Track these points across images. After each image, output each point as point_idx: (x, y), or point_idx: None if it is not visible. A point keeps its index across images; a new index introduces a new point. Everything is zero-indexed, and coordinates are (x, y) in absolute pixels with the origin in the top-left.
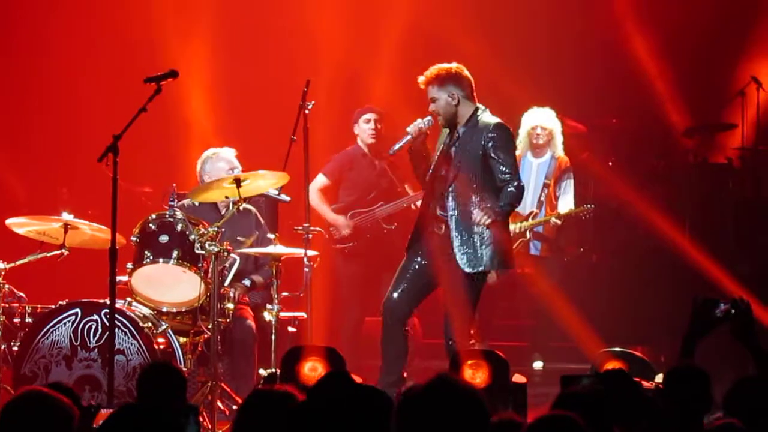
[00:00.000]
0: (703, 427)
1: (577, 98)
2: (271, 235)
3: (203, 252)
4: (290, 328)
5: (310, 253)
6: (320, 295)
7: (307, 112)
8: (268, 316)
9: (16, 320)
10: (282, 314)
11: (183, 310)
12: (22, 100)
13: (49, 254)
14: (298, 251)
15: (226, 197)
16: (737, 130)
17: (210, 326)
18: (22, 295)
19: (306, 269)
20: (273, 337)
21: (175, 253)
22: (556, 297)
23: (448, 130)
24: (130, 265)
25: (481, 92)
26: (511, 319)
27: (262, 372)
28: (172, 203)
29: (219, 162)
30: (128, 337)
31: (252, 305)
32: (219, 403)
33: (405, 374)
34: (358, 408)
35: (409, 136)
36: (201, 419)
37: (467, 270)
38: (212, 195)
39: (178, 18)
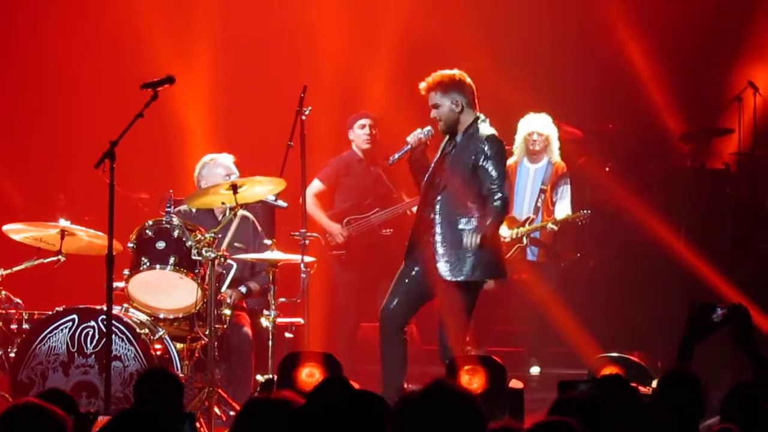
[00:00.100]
0: None
1: (574, 103)
2: (268, 241)
3: (200, 258)
4: (287, 334)
5: (307, 259)
6: (317, 301)
7: (303, 117)
8: (265, 321)
9: (13, 327)
10: (279, 320)
11: (180, 316)
12: (18, 105)
13: (46, 260)
14: (295, 257)
15: (223, 203)
16: (734, 135)
17: (207, 332)
18: (19, 301)
19: (303, 275)
20: (270, 342)
21: (172, 260)
22: (553, 302)
23: (448, 138)
24: (127, 272)
25: (481, 96)
26: (508, 324)
27: (259, 378)
28: (168, 209)
29: (216, 168)
30: (125, 344)
31: (249, 311)
32: (216, 409)
33: (406, 386)
34: (356, 414)
35: (408, 146)
36: (198, 425)
37: (447, 278)
38: (209, 201)
39: (176, 24)
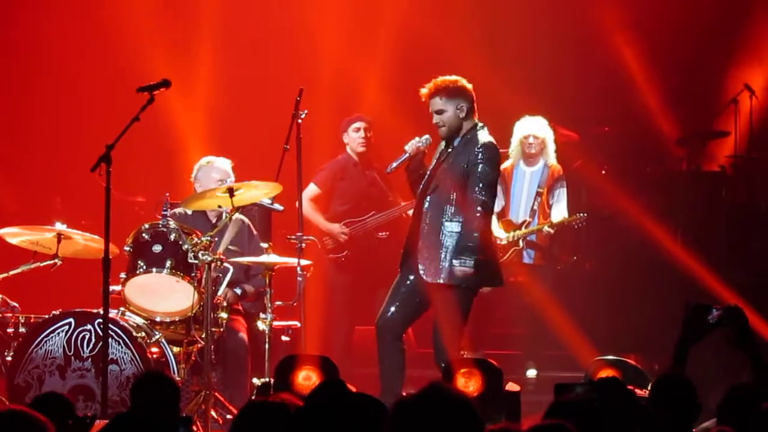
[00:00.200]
0: None
1: (571, 106)
2: (264, 245)
3: (196, 261)
4: (284, 337)
5: (304, 262)
6: (314, 305)
7: (300, 121)
8: (261, 325)
9: (10, 330)
10: (275, 323)
11: (176, 319)
12: (15, 109)
13: (42, 264)
14: (292, 260)
15: (219, 206)
16: (730, 138)
17: (203, 336)
18: (16, 305)
19: (299, 278)
20: (267, 346)
21: (168, 263)
22: (550, 305)
23: (444, 144)
24: (123, 275)
25: (479, 99)
26: (504, 327)
27: (256, 381)
28: (165, 213)
29: (212, 172)
30: (122, 347)
31: (246, 314)
32: (213, 413)
33: (404, 393)
34: (353, 416)
35: (406, 155)
36: (195, 429)
37: (428, 280)
38: (205, 204)
39: (172, 27)
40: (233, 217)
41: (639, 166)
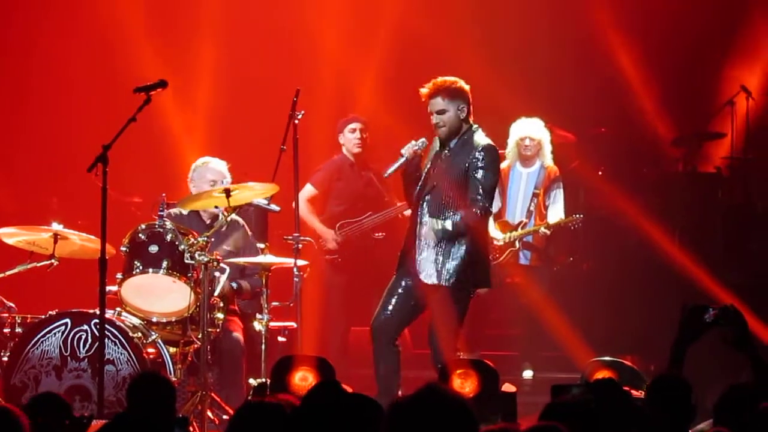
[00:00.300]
0: None
1: (568, 107)
2: (261, 245)
3: (193, 262)
4: (280, 338)
5: (300, 262)
6: (310, 305)
7: (296, 122)
8: (258, 325)
9: (6, 330)
10: (272, 324)
11: (173, 320)
12: (11, 109)
13: (38, 264)
14: (288, 261)
15: (216, 207)
16: (726, 139)
17: (200, 336)
18: (12, 305)
19: (296, 279)
20: (263, 346)
21: (164, 263)
22: (546, 306)
23: (438, 146)
24: (119, 275)
25: (477, 99)
26: (501, 328)
27: (252, 382)
28: (161, 213)
29: (207, 173)
30: (118, 347)
31: (242, 315)
32: (209, 413)
33: (400, 393)
34: (349, 417)
35: (403, 159)
36: (191, 429)
37: (425, 281)
38: (202, 204)
39: (169, 28)
40: (230, 219)
41: (635, 168)
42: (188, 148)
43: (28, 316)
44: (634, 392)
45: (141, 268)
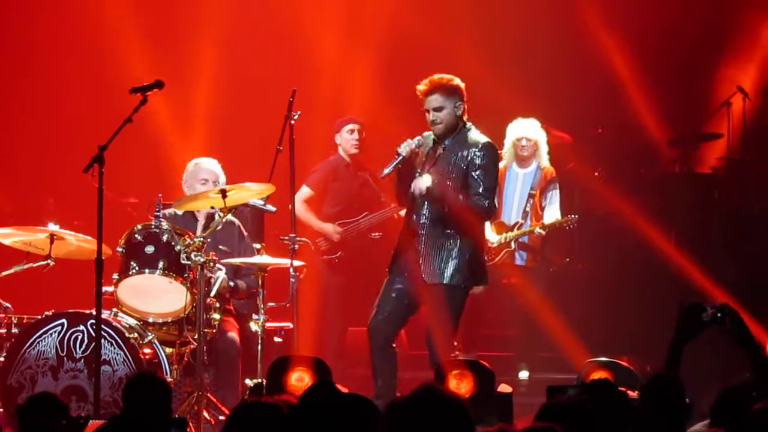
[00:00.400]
0: None
1: (564, 108)
2: (257, 245)
3: (189, 262)
4: (276, 339)
5: (296, 263)
6: (306, 306)
7: (293, 122)
8: (254, 326)
9: (2, 331)
10: (268, 324)
11: (169, 320)
12: (7, 109)
13: (35, 265)
14: (284, 261)
15: (212, 207)
16: (723, 140)
17: (196, 336)
18: (8, 305)
19: (292, 280)
20: (259, 347)
21: (161, 264)
22: (542, 307)
23: (432, 144)
24: (116, 276)
25: (475, 99)
26: (496, 329)
27: (249, 382)
28: (157, 214)
29: (199, 173)
30: (114, 348)
31: (238, 315)
32: (205, 413)
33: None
34: (345, 417)
35: (401, 158)
36: (188, 430)
37: (427, 280)
38: (198, 205)
39: (166, 29)
40: (225, 219)
41: (632, 168)
42: (184, 148)
43: (25, 316)
44: (630, 393)
45: (137, 268)
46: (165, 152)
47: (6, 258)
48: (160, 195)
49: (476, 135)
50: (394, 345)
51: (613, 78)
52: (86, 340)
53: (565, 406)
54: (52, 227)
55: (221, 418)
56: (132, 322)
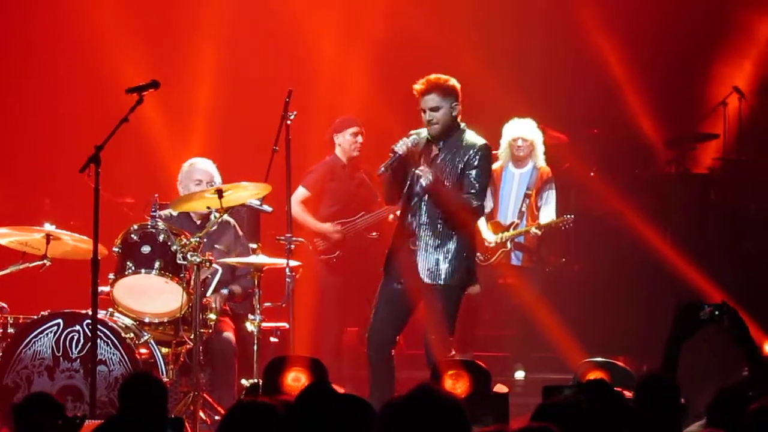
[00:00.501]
0: None
1: (560, 108)
2: (253, 245)
3: (185, 262)
4: (272, 339)
5: (292, 263)
6: (303, 306)
7: (289, 122)
8: (250, 326)
9: None
10: (264, 325)
11: (165, 320)
12: (3, 110)
13: (31, 265)
14: (280, 261)
15: (208, 208)
16: (719, 140)
17: (192, 337)
18: (4, 305)
19: (288, 280)
20: (255, 347)
21: (157, 264)
22: (538, 307)
23: (425, 144)
24: (112, 276)
25: (472, 99)
26: (493, 329)
27: (245, 382)
28: (154, 214)
29: (193, 173)
30: (110, 348)
31: (234, 315)
32: (201, 414)
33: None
34: (341, 418)
35: (397, 155)
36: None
37: (426, 281)
38: (194, 205)
39: (162, 29)
40: (221, 219)
41: (628, 168)
42: (180, 149)
43: (21, 316)
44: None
45: (133, 268)
46: (161, 152)
47: (2, 258)
48: (156, 195)
49: (472, 137)
50: (392, 354)
51: (609, 78)
52: (82, 340)
53: (561, 407)
54: (49, 227)
55: (217, 418)
56: (128, 322)
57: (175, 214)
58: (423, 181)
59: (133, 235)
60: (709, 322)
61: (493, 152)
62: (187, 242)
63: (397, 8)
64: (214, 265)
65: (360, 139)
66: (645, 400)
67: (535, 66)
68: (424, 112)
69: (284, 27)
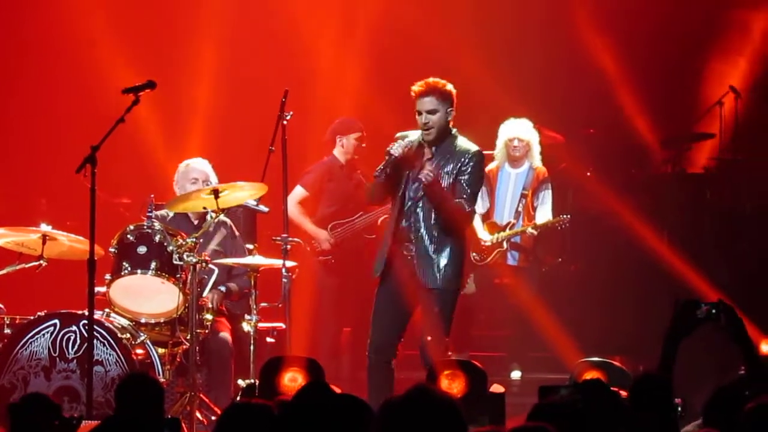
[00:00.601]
0: None
1: (556, 108)
2: (249, 246)
3: (181, 263)
4: (269, 339)
5: (289, 264)
6: (300, 306)
7: (285, 122)
8: (246, 326)
9: None
10: (260, 325)
11: (161, 321)
12: None
13: (27, 265)
14: (277, 262)
15: (204, 208)
16: (714, 140)
17: (188, 337)
18: (1, 306)
19: (284, 280)
20: (252, 347)
21: (153, 264)
22: (535, 307)
23: (416, 150)
24: (108, 276)
25: (469, 99)
26: (489, 329)
27: (241, 383)
28: (150, 214)
29: (189, 173)
30: (107, 348)
31: (231, 315)
32: (198, 414)
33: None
34: (338, 418)
35: (393, 157)
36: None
37: (428, 286)
38: (190, 206)
39: (159, 29)
40: (217, 219)
41: (624, 168)
42: (177, 149)
43: (17, 317)
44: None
45: (129, 269)
46: (157, 153)
47: None
48: (152, 195)
49: (465, 142)
50: (393, 363)
51: (605, 78)
52: (79, 341)
53: (557, 406)
54: (45, 228)
55: (213, 418)
56: (124, 322)
57: (171, 213)
58: (423, 179)
59: (129, 236)
60: (706, 321)
61: (490, 152)
62: (184, 243)
63: (394, 9)
64: (210, 266)
65: (363, 144)
66: (639, 400)
67: (531, 66)
68: (420, 114)
69: (282, 27)
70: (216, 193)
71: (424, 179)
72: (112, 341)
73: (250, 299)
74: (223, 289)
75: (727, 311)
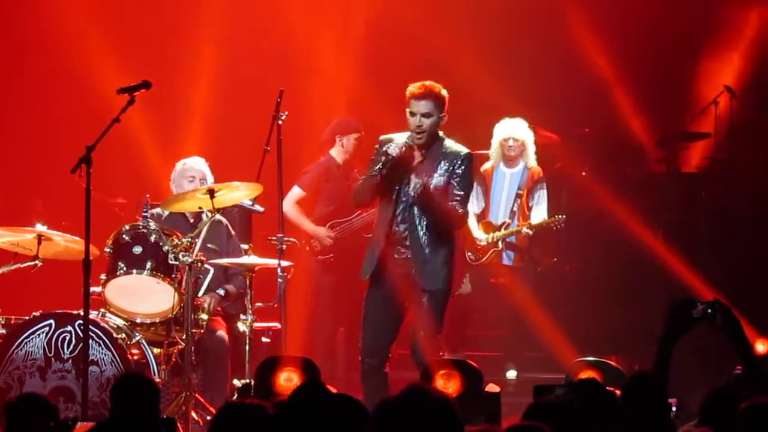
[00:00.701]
0: None
1: (552, 108)
2: (245, 246)
3: (177, 263)
4: (264, 339)
5: (284, 263)
6: (296, 306)
7: (280, 122)
8: (242, 326)
9: None
10: (256, 325)
11: (157, 320)
12: None
13: (22, 265)
14: (272, 262)
15: (200, 208)
16: (709, 140)
17: (184, 337)
18: None
19: (280, 280)
20: (247, 347)
21: (148, 264)
22: (530, 307)
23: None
24: (103, 276)
25: (469, 100)
26: (484, 329)
27: (237, 383)
28: (145, 214)
29: (186, 171)
30: (102, 348)
31: (226, 315)
32: (193, 414)
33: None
34: (333, 418)
35: (391, 158)
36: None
37: (426, 287)
38: (186, 206)
39: (155, 29)
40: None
41: (619, 168)
42: (172, 149)
43: (12, 317)
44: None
45: (125, 269)
46: (153, 153)
47: None
48: (147, 195)
49: (454, 144)
50: (386, 366)
51: (600, 78)
52: (74, 341)
53: (553, 406)
54: (40, 228)
55: (209, 418)
56: (120, 322)
57: (166, 213)
58: (413, 193)
59: (124, 236)
60: (702, 320)
61: (484, 152)
62: (179, 242)
63: (390, 10)
64: (206, 266)
65: (359, 144)
66: (633, 399)
67: (526, 66)
68: (414, 115)
69: (278, 27)
70: (211, 193)
71: (413, 193)
72: (107, 341)
73: (246, 299)
74: (221, 292)
75: (723, 311)
